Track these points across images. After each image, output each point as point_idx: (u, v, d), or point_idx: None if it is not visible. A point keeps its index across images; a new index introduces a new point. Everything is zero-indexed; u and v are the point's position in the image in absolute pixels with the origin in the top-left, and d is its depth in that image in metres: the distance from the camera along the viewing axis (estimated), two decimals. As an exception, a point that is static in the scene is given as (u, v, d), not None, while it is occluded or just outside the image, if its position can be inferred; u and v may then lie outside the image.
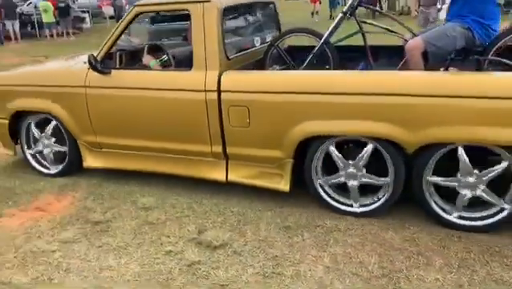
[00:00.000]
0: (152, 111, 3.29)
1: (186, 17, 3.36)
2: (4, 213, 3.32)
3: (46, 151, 3.92)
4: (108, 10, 22.35)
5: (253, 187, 3.24)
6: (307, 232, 2.85)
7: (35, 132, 3.91)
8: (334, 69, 3.35)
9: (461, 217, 2.76)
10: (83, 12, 20.48)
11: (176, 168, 3.45)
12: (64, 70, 3.93)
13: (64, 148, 3.85)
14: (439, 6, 8.20)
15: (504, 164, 2.58)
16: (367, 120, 2.71)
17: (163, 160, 3.47)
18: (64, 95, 3.59)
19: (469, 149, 2.62)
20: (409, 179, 2.82)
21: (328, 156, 2.98)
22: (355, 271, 2.46)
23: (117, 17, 20.38)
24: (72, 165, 3.87)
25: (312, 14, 18.97)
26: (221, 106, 3.05)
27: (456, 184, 2.71)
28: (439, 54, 3.07)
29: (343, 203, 3.04)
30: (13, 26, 16.13)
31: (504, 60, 2.99)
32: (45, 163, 4.00)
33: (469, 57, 3.14)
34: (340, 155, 2.93)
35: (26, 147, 4.03)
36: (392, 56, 3.55)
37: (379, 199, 2.95)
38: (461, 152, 2.62)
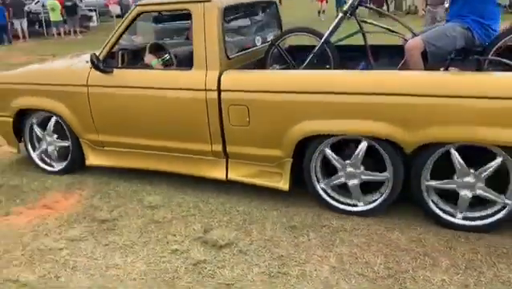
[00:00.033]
0: (153, 111, 3.31)
1: (187, 16, 3.37)
2: (11, 211, 3.35)
3: (50, 149, 3.95)
4: (115, 9, 22.36)
5: (258, 187, 3.24)
6: (313, 232, 2.85)
7: (38, 130, 3.94)
8: (334, 69, 3.34)
9: (464, 218, 2.75)
10: (90, 10, 20.55)
11: (177, 166, 3.47)
12: (67, 69, 3.95)
13: (67, 143, 3.87)
14: (446, 5, 8.13)
15: (499, 160, 2.57)
16: (367, 119, 2.72)
17: (164, 159, 3.49)
18: (67, 93, 3.62)
19: (463, 148, 2.62)
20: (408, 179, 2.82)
21: (327, 159, 2.99)
22: (361, 272, 2.45)
23: (124, 15, 20.38)
24: (75, 163, 3.90)
25: (319, 12, 18.89)
26: (221, 105, 3.06)
27: (454, 186, 2.71)
28: (439, 54, 3.06)
29: (347, 204, 3.04)
30: (21, 24, 16.25)
31: (504, 60, 2.98)
32: (49, 161, 4.03)
33: (469, 57, 3.13)
34: (337, 157, 2.93)
35: (30, 147, 4.06)
36: (392, 56, 3.54)
37: (381, 195, 2.94)
38: (453, 153, 2.62)
